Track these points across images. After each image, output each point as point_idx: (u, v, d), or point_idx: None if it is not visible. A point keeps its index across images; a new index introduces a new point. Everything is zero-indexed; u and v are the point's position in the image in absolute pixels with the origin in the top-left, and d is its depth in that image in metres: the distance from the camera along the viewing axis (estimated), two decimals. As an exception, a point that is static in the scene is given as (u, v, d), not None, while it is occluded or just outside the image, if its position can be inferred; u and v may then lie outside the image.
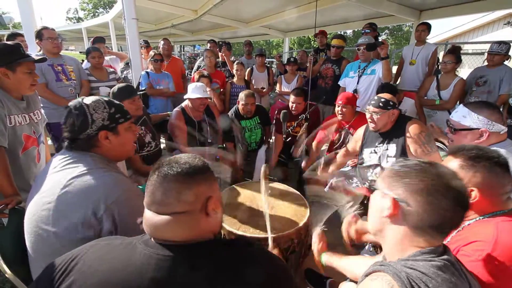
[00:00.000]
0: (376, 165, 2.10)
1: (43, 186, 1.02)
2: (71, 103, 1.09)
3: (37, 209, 0.98)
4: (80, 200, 0.95)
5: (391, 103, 1.96)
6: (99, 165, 1.04)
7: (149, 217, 0.72)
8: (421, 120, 2.88)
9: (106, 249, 0.71)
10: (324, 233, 1.33)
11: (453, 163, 0.99)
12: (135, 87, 3.28)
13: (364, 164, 2.22)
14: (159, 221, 0.70)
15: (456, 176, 0.73)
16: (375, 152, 2.12)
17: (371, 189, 0.84)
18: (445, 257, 0.70)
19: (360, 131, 2.30)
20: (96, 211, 0.94)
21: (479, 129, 1.34)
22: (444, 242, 1.03)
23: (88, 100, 1.09)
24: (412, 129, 1.91)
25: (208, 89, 2.79)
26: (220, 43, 4.31)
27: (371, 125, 2.05)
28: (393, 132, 2.01)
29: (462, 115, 1.40)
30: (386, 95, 2.02)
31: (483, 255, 0.85)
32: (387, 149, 2.04)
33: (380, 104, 1.95)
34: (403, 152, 1.95)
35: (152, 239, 0.72)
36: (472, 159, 0.94)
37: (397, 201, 0.74)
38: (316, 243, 1.32)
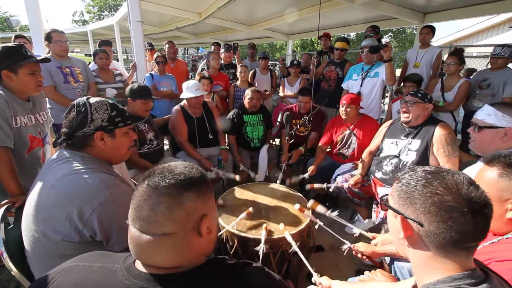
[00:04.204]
0: (394, 156, 2.11)
1: (36, 185, 1.02)
2: (76, 100, 1.10)
3: (29, 209, 0.98)
4: (64, 201, 0.92)
5: (428, 97, 2.01)
6: (89, 165, 1.02)
7: (133, 235, 0.62)
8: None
9: (84, 273, 0.65)
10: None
11: (490, 173, 0.89)
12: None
13: (381, 155, 2.22)
14: (144, 242, 0.61)
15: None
16: (396, 144, 2.13)
17: (383, 206, 0.75)
18: (484, 286, 0.59)
19: (383, 128, 2.32)
20: (81, 213, 0.91)
21: (503, 127, 1.34)
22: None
23: (93, 99, 1.10)
24: (441, 129, 1.93)
25: (201, 85, 2.83)
26: (236, 45, 4.30)
27: (404, 116, 2.06)
28: (422, 128, 2.02)
29: (487, 114, 1.40)
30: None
31: None
32: (410, 143, 2.05)
33: (419, 94, 2.00)
34: (425, 150, 1.95)
35: (135, 264, 0.64)
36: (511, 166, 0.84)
37: (408, 222, 0.67)
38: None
